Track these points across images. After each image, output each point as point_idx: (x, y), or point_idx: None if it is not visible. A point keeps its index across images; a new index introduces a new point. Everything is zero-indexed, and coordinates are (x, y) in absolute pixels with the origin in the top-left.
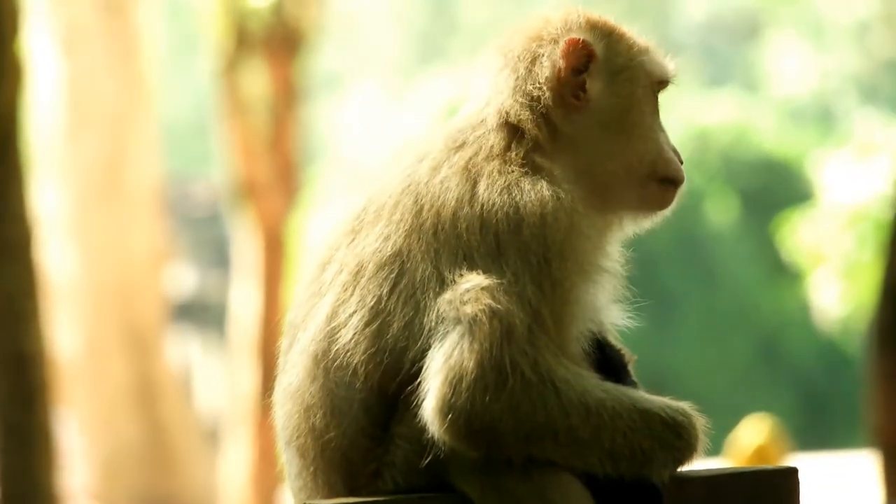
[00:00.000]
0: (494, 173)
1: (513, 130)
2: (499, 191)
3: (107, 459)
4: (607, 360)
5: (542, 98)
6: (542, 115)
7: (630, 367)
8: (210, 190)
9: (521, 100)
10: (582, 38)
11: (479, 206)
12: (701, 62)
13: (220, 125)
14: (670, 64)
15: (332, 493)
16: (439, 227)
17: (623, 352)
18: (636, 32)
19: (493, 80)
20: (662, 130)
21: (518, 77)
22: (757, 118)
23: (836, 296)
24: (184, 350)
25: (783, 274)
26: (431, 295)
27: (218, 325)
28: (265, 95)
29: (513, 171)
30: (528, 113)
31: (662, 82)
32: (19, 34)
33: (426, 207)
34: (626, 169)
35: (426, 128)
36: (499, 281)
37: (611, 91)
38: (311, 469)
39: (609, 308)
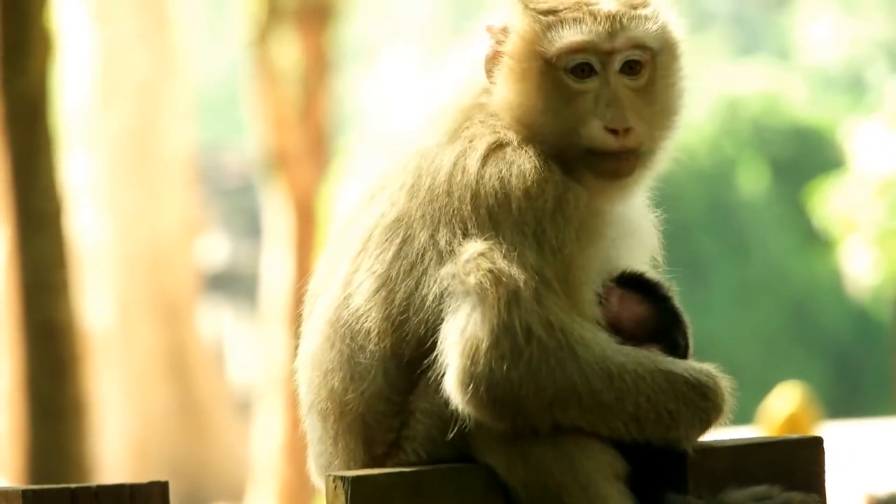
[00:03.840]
0: (477, 141)
1: (480, 101)
2: (482, 160)
3: (139, 429)
4: (650, 288)
5: (486, 75)
6: (490, 92)
7: (673, 295)
8: (242, 160)
9: (479, 75)
10: (494, 26)
11: (469, 177)
12: (732, 31)
13: (251, 95)
14: (587, 28)
15: (350, 459)
16: (434, 194)
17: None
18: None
19: (470, 54)
20: (598, 99)
21: (472, 54)
22: (788, 86)
23: (867, 264)
24: (216, 320)
25: (814, 242)
26: (431, 265)
27: (250, 295)
28: (297, 66)
29: (493, 138)
30: (479, 89)
31: (562, 54)
32: (49, 5)
33: (424, 173)
34: (557, 146)
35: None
36: (498, 246)
37: (509, 69)
38: (332, 433)
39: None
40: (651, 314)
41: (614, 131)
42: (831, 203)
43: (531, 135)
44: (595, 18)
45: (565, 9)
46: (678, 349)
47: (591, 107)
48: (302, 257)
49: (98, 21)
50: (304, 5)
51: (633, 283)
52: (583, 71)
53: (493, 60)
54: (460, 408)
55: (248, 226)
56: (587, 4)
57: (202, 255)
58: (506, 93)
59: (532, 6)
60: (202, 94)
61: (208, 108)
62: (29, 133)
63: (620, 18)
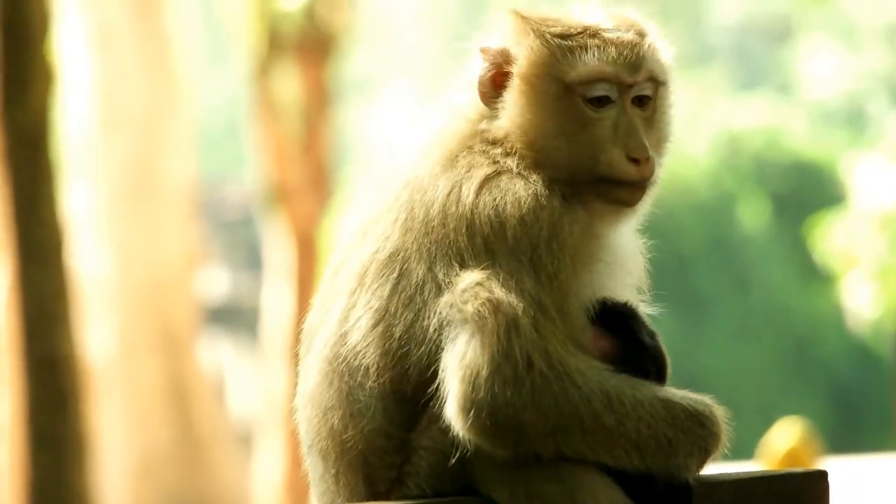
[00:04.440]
0: (474, 171)
1: (478, 128)
2: (477, 189)
3: (139, 463)
4: (614, 313)
5: (480, 98)
6: (488, 116)
7: (639, 314)
8: (243, 193)
9: (473, 98)
10: (490, 48)
11: (464, 206)
12: (733, 66)
13: (252, 128)
14: (594, 60)
15: (353, 497)
16: (430, 226)
17: (626, 304)
18: (577, 24)
19: (465, 78)
20: (617, 128)
21: (466, 78)
22: (789, 121)
23: (868, 299)
24: (216, 353)
25: (815, 277)
26: (429, 298)
27: (250, 328)
28: (298, 99)
29: (490, 168)
30: (478, 112)
31: (583, 83)
32: (50, 36)
33: (417, 204)
34: (568, 170)
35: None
36: (495, 274)
37: (520, 93)
38: (333, 472)
39: (628, 296)
40: (614, 348)
41: (635, 161)
42: (832, 237)
43: (540, 159)
44: (617, 49)
45: (579, 34)
46: (649, 378)
47: (609, 135)
48: (303, 290)
49: (99, 53)
50: (305, 38)
51: (600, 314)
52: (600, 100)
53: (489, 83)
54: (462, 434)
55: (249, 259)
56: (601, 31)
57: (203, 287)
58: (515, 116)
59: (545, 29)
60: (203, 126)
61: (209, 140)
62: (30, 164)
63: (639, 51)
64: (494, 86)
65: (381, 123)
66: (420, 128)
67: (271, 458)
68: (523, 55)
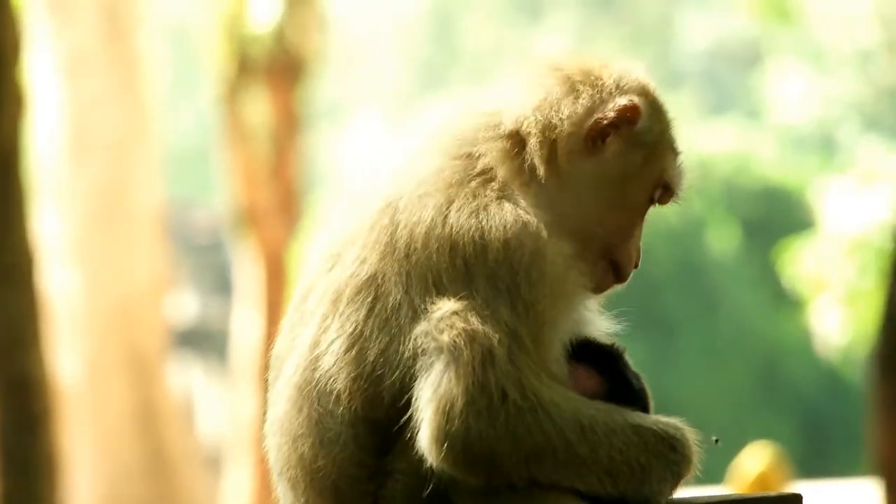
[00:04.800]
0: (470, 195)
1: (519, 142)
2: (468, 214)
3: (108, 484)
4: (600, 357)
5: (561, 127)
6: (551, 143)
7: (625, 358)
8: (212, 216)
9: (540, 118)
10: (640, 107)
11: (450, 229)
12: (702, 90)
13: (222, 152)
14: (683, 177)
15: None
16: (411, 248)
17: (614, 346)
18: (676, 129)
19: (521, 92)
20: (640, 227)
21: (550, 98)
22: (758, 146)
23: (837, 323)
24: (185, 376)
25: (784, 301)
26: (405, 322)
27: (220, 351)
28: (267, 122)
29: (488, 194)
30: (541, 134)
31: (667, 187)
32: (21, 61)
33: (401, 226)
34: (590, 233)
35: (417, 143)
36: (471, 304)
37: (624, 159)
38: (303, 500)
39: (594, 321)
40: (601, 386)
41: (635, 265)
42: (801, 262)
43: (568, 214)
44: (684, 170)
45: (676, 137)
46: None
47: (639, 232)
48: (272, 314)
49: (68, 77)
50: (275, 62)
51: (584, 354)
52: (652, 200)
53: (603, 130)
54: (435, 465)
55: (218, 282)
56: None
57: (172, 311)
58: (590, 170)
59: (664, 114)
60: (172, 150)
61: (178, 164)
62: (0, 189)
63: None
64: (601, 133)
65: (351, 148)
66: (396, 149)
67: (240, 480)
68: (651, 127)
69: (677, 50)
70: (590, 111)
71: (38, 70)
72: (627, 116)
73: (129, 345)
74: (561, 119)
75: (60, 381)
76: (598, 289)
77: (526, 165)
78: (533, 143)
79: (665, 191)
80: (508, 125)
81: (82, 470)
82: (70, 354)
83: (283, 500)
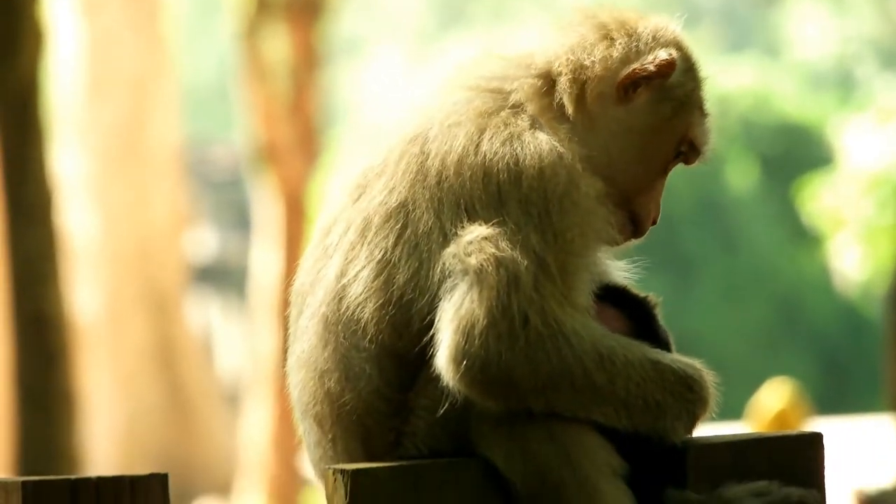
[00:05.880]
0: (501, 124)
1: (550, 82)
2: (501, 141)
3: (127, 421)
4: (632, 304)
5: (593, 69)
6: (582, 83)
7: (657, 311)
8: (231, 153)
9: (574, 59)
10: (676, 61)
11: (483, 156)
12: (721, 28)
13: (241, 89)
14: (709, 137)
15: (351, 461)
16: (443, 175)
17: (648, 297)
18: (707, 85)
19: (553, 36)
20: (661, 183)
21: (584, 42)
22: (777, 83)
23: (856, 260)
24: (204, 313)
25: (803, 238)
26: (435, 247)
27: (238, 288)
28: (286, 59)
29: (520, 123)
30: (572, 73)
31: (693, 145)
32: None
33: (432, 154)
34: (613, 180)
35: (444, 79)
36: (501, 230)
37: (653, 110)
38: (330, 437)
39: (614, 268)
40: (627, 331)
41: (653, 221)
42: (820, 199)
43: (595, 161)
44: (710, 134)
45: (705, 95)
46: None
47: (660, 188)
48: (291, 250)
49: (87, 15)
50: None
51: (613, 298)
52: (677, 156)
53: (635, 79)
54: (452, 384)
55: (237, 219)
56: (708, 106)
57: (191, 248)
58: (619, 119)
59: (697, 70)
60: (191, 88)
61: (197, 102)
62: (19, 127)
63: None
64: (634, 82)
65: (370, 84)
66: (422, 85)
67: (259, 417)
68: (682, 82)
69: None
70: (625, 59)
71: (57, 7)
72: (665, 71)
73: (147, 282)
74: (593, 62)
75: (80, 318)
76: (615, 241)
77: (555, 103)
78: (563, 82)
79: (690, 149)
80: (540, 64)
81: (102, 407)
82: (89, 292)
83: (308, 438)
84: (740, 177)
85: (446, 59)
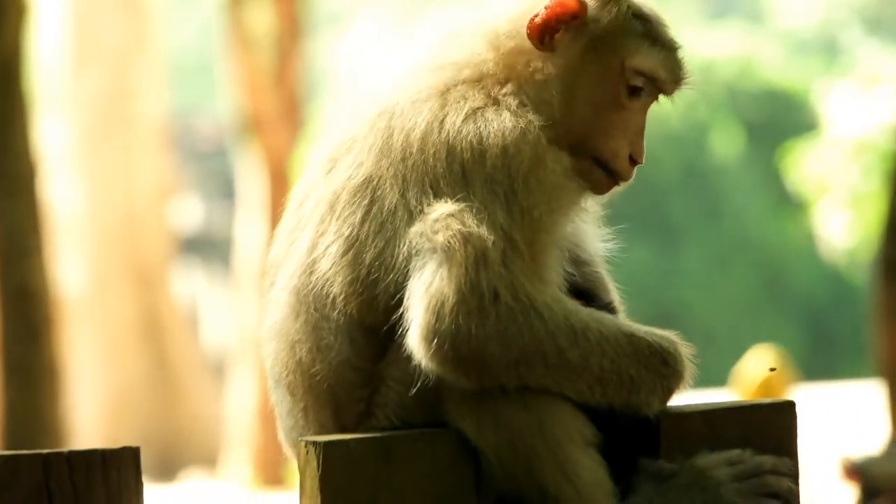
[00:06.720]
0: (462, 99)
1: (497, 55)
2: (464, 118)
3: (112, 393)
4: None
5: (505, 29)
6: (519, 50)
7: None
8: (215, 124)
9: (506, 27)
10: None
11: (446, 133)
12: None
13: (225, 60)
14: (668, 64)
15: (322, 431)
16: (407, 152)
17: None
18: (653, 14)
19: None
20: (624, 122)
21: (510, 7)
22: (761, 49)
23: (841, 226)
24: (189, 284)
25: (788, 205)
26: (400, 225)
27: (223, 258)
28: (270, 30)
29: (482, 99)
30: (507, 37)
31: (645, 75)
32: None
33: (397, 130)
34: (568, 130)
35: (412, 54)
36: (468, 207)
37: (575, 52)
38: (301, 406)
39: (594, 237)
40: None
41: (633, 162)
42: (805, 166)
43: (552, 115)
44: (675, 58)
45: (655, 25)
46: None
47: (622, 126)
48: (275, 220)
49: None
50: None
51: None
52: (636, 91)
53: (547, 24)
54: (423, 363)
55: (222, 190)
56: (670, 32)
57: (175, 219)
58: (553, 66)
59: (628, 4)
60: (175, 58)
61: (182, 72)
62: (3, 99)
63: (685, 69)
64: (547, 29)
65: (353, 55)
66: (393, 57)
67: (244, 388)
68: (599, 16)
69: None
70: (530, 10)
71: None
72: (564, 10)
73: (132, 253)
74: (506, 20)
75: (65, 291)
76: (597, 190)
77: (508, 73)
78: (505, 50)
79: (647, 80)
80: (490, 34)
81: (87, 379)
82: (74, 264)
83: (280, 407)
84: (725, 144)
85: (416, 30)
